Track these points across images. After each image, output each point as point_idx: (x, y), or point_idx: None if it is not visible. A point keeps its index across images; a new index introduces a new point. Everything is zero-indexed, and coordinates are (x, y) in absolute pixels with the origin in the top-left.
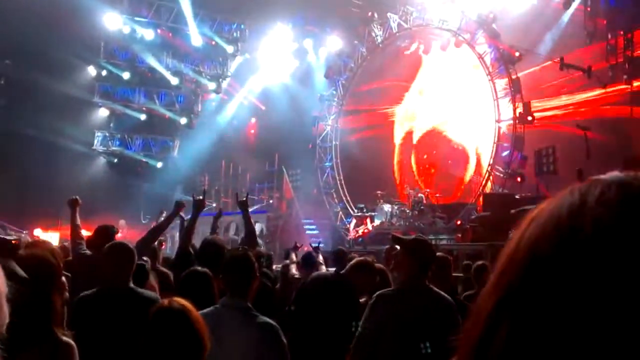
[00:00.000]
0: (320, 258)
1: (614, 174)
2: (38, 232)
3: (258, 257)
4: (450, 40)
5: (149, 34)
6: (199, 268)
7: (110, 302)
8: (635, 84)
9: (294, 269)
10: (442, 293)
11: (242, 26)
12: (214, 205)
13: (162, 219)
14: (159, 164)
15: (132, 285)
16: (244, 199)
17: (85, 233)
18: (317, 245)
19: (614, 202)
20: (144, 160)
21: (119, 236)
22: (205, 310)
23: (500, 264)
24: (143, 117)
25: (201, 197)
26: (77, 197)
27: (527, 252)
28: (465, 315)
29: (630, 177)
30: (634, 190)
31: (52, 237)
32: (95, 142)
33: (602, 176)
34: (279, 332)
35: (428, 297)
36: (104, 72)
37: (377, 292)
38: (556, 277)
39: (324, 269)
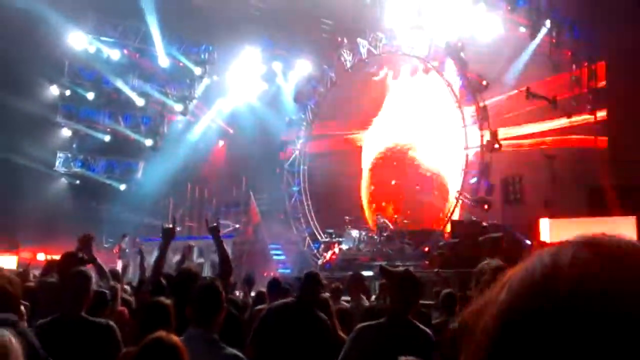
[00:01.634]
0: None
1: (584, 235)
2: None
3: (225, 286)
4: (418, 67)
5: (115, 54)
6: (161, 299)
7: (62, 331)
8: (599, 114)
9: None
10: (424, 328)
11: (211, 48)
12: (178, 229)
13: (124, 242)
14: (122, 187)
15: (83, 313)
16: (215, 224)
17: (43, 257)
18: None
19: (587, 262)
20: (107, 182)
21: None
22: None
23: (474, 329)
24: (107, 138)
25: (171, 226)
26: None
27: (501, 317)
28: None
29: (600, 237)
30: (606, 250)
31: (10, 261)
32: (57, 163)
33: (572, 238)
34: None
35: (410, 331)
36: (67, 92)
37: (359, 325)
38: (532, 341)
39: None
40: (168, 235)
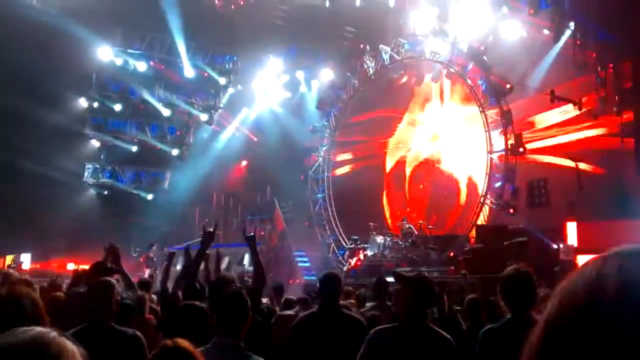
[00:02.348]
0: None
1: (628, 246)
2: (26, 265)
3: (252, 294)
4: (442, 72)
5: (141, 66)
6: (196, 303)
7: (89, 340)
8: (625, 115)
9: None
10: (444, 333)
11: (235, 58)
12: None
13: (151, 251)
14: (150, 196)
15: (111, 323)
16: (252, 233)
17: (72, 267)
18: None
19: (634, 271)
20: (134, 192)
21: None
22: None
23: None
24: (134, 148)
25: (211, 229)
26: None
27: (544, 326)
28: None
29: None
30: None
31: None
32: (86, 174)
33: (614, 250)
34: None
35: (427, 336)
36: (95, 104)
37: (375, 328)
38: (577, 346)
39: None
40: (208, 239)
